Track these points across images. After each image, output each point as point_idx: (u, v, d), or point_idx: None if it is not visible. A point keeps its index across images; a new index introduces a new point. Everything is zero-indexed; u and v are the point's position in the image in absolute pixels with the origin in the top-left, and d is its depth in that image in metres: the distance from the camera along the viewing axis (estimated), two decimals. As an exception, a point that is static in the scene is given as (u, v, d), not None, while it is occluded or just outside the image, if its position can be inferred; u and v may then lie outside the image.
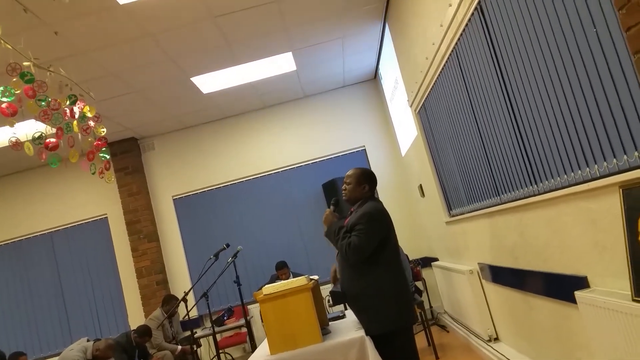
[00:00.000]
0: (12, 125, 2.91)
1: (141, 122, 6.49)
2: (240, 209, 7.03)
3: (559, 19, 2.02)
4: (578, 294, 2.19)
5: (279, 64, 5.72)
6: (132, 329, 5.71)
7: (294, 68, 5.93)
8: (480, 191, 3.72)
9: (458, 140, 3.93)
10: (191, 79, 5.46)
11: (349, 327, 2.96)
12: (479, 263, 4.12)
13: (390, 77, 6.05)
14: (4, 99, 2.86)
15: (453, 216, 4.73)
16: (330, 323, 3.18)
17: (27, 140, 2.97)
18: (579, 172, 2.14)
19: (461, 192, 4.27)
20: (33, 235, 7.12)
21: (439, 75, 3.94)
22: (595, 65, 1.86)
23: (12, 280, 7.04)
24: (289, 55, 5.54)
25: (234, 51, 5.07)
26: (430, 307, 6.13)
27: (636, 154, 1.73)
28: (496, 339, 4.11)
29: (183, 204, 7.08)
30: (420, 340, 5.25)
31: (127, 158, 6.93)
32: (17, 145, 3.04)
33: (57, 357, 4.91)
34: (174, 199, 7.08)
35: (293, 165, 7.09)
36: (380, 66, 6.63)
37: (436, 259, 5.97)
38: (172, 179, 7.10)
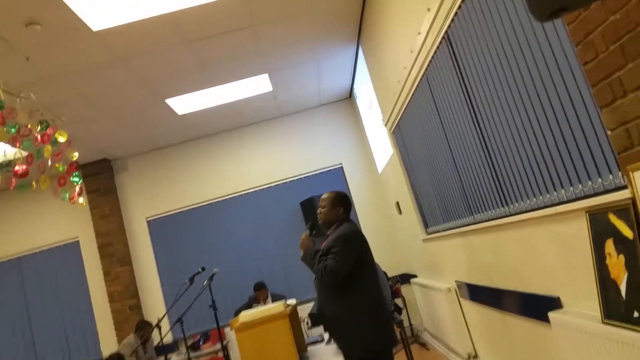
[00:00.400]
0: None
1: (114, 143, 6.40)
2: (217, 229, 6.95)
3: (522, 51, 2.09)
4: (551, 314, 2.23)
5: (255, 85, 5.74)
6: (103, 356, 5.56)
7: (270, 89, 5.95)
8: (454, 210, 3.77)
9: (432, 160, 3.99)
10: (166, 100, 5.43)
11: (327, 352, 2.94)
12: (456, 281, 4.16)
13: (365, 97, 6.12)
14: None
15: (430, 234, 4.78)
16: (308, 348, 3.16)
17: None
18: (547, 195, 2.19)
19: (437, 211, 4.33)
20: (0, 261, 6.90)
21: (412, 97, 4.00)
22: (558, 95, 1.92)
23: (-23, 308, 6.78)
24: (265, 77, 5.56)
25: (209, 73, 5.06)
26: (410, 324, 6.14)
27: (600, 180, 1.79)
28: (475, 357, 4.13)
29: (157, 226, 6.96)
30: (401, 359, 5.25)
31: (99, 180, 6.81)
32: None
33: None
34: (147, 221, 6.96)
35: (270, 184, 7.07)
36: (355, 86, 6.71)
37: (415, 276, 5.99)
38: (146, 200, 6.99)
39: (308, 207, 6.54)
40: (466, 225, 3.51)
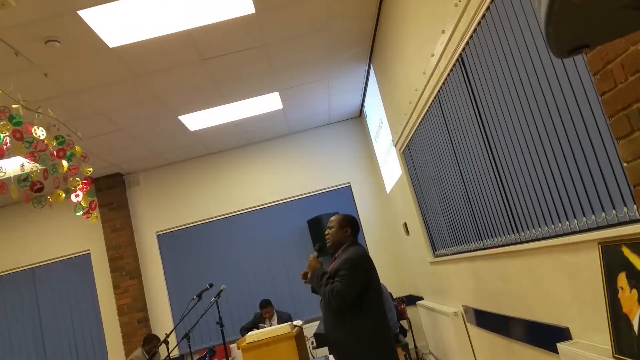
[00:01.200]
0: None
1: (127, 158, 6.48)
2: (225, 245, 6.97)
3: (538, 77, 2.10)
4: (560, 346, 2.20)
5: (266, 103, 5.80)
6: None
7: (281, 107, 6.01)
8: (463, 234, 3.76)
9: (441, 182, 3.99)
10: (179, 117, 5.50)
11: (333, 374, 2.92)
12: (463, 305, 4.12)
13: (375, 116, 6.15)
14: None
15: (437, 256, 4.75)
16: (314, 370, 3.14)
17: (12, 185, 2.95)
18: (559, 224, 2.18)
19: (445, 234, 4.31)
20: (14, 271, 6.95)
21: (422, 119, 4.02)
22: (573, 123, 1.92)
23: (-11, 318, 6.83)
24: (275, 95, 5.62)
25: (221, 91, 5.13)
26: (415, 347, 6.07)
27: (614, 212, 1.78)
28: (481, 383, 4.07)
29: (167, 240, 7.00)
30: (406, 383, 5.19)
31: (112, 194, 6.88)
32: (2, 187, 3.02)
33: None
34: (157, 235, 7.00)
35: (278, 201, 7.08)
36: (365, 105, 6.75)
37: (421, 298, 5.95)
38: (157, 215, 7.04)
39: (315, 225, 6.54)
40: (475, 250, 3.49)
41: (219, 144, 6.90)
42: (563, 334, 2.27)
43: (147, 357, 5.50)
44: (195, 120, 5.75)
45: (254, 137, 7.00)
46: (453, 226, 4.00)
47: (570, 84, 1.88)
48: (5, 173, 3.00)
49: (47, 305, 6.88)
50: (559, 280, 2.27)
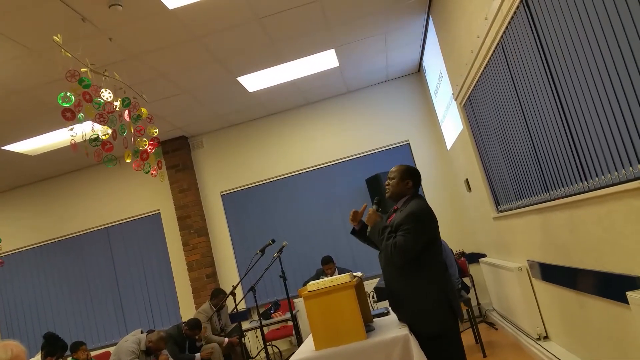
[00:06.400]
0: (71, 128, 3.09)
1: (190, 121, 6.70)
2: (286, 203, 7.14)
3: (607, 11, 1.95)
4: (630, 294, 2.12)
5: (322, 61, 5.76)
6: (183, 321, 5.93)
7: (337, 64, 5.95)
8: (529, 187, 3.63)
9: (505, 134, 3.85)
10: (237, 78, 5.59)
11: (393, 324, 2.97)
12: (528, 260, 4.03)
13: (435, 70, 5.96)
14: (64, 104, 3.05)
15: (501, 212, 4.64)
16: (374, 320, 3.20)
17: (85, 140, 3.15)
18: (630, 169, 2.06)
19: (509, 188, 4.18)
20: (90, 231, 7.49)
21: (485, 68, 3.86)
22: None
23: (72, 274, 7.45)
24: (331, 52, 5.56)
25: (278, 50, 5.14)
26: (478, 304, 6.03)
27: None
28: (546, 338, 4.01)
29: (230, 200, 7.27)
30: (468, 338, 5.19)
31: (177, 156, 7.18)
32: (75, 146, 3.24)
33: (113, 347, 5.16)
34: (221, 195, 7.28)
35: (337, 160, 7.12)
36: (424, 59, 6.54)
37: (484, 255, 5.86)
38: (220, 176, 7.30)
39: (374, 183, 6.54)
40: (541, 202, 3.37)
41: (278, 105, 6.97)
42: (633, 282, 2.18)
43: (214, 310, 5.82)
44: (254, 81, 5.82)
45: (312, 97, 7.00)
46: (517, 179, 3.87)
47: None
48: (75, 136, 3.19)
49: (122, 262, 7.39)
50: (631, 227, 2.16)
